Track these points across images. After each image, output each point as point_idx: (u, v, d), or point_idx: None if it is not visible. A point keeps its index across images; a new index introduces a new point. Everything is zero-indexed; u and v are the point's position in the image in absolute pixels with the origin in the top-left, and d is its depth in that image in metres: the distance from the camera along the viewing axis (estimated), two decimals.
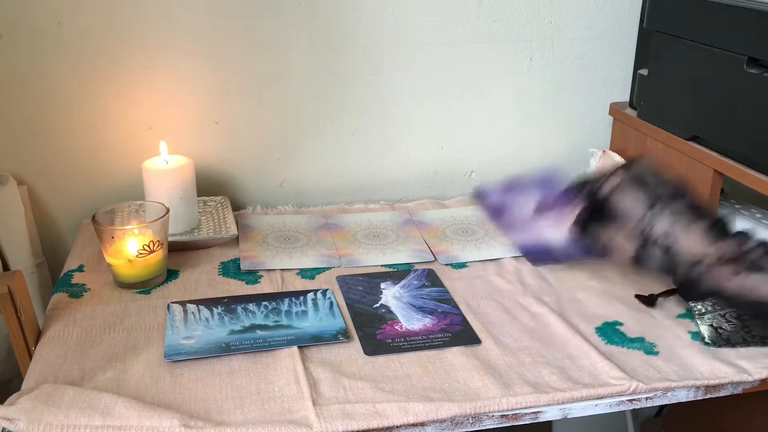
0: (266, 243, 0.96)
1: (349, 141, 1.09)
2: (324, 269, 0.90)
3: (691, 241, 0.64)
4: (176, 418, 0.61)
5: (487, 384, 0.67)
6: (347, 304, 0.81)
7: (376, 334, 0.76)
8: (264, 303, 0.81)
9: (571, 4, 1.08)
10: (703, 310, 0.78)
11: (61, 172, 1.00)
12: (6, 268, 0.92)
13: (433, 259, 0.93)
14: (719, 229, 0.65)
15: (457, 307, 0.81)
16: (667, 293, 0.82)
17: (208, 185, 1.06)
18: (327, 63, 1.03)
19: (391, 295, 0.84)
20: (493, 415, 0.65)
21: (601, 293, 0.85)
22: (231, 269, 0.89)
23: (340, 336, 0.74)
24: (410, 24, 1.04)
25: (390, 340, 0.74)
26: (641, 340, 0.75)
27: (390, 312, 0.80)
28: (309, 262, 0.91)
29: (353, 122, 1.08)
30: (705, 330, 0.75)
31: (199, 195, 1.00)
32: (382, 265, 0.91)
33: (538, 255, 0.86)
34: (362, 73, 1.05)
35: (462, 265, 0.92)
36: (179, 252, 0.92)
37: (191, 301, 0.80)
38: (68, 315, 0.78)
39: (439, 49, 1.06)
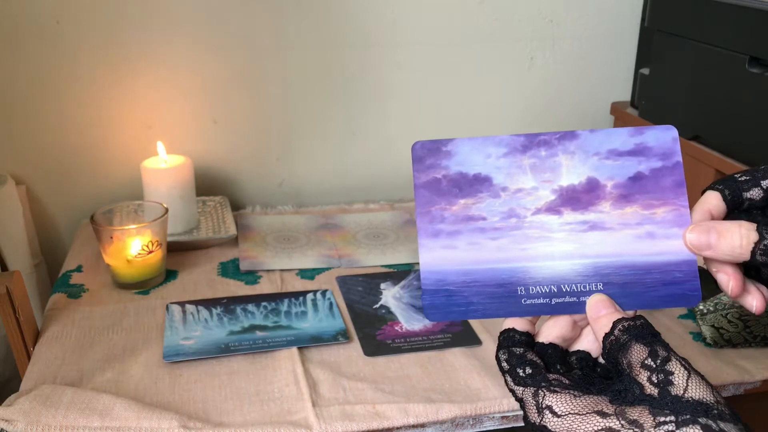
0: (266, 243, 0.95)
1: (349, 141, 1.09)
2: (324, 269, 0.90)
3: None
4: (175, 419, 0.61)
5: (487, 385, 0.67)
6: (347, 305, 0.81)
7: (376, 334, 0.75)
8: (263, 303, 0.80)
9: (572, 2, 1.08)
10: (705, 311, 0.77)
11: (59, 172, 1.00)
12: (4, 268, 0.92)
13: None
14: None
15: None
16: None
17: (207, 185, 1.06)
18: (327, 63, 1.03)
19: (391, 296, 0.83)
20: (493, 417, 0.65)
21: None
22: (230, 269, 0.89)
23: (339, 337, 0.74)
24: (410, 24, 1.04)
25: (390, 341, 0.74)
26: None
27: (390, 312, 0.80)
28: (309, 263, 0.91)
29: (353, 122, 1.08)
30: (707, 331, 0.74)
31: (198, 195, 0.99)
32: (382, 266, 0.91)
33: None
34: (362, 73, 1.05)
35: None
36: (178, 252, 0.92)
37: (190, 302, 0.80)
38: (67, 315, 0.77)
39: (439, 49, 1.06)
